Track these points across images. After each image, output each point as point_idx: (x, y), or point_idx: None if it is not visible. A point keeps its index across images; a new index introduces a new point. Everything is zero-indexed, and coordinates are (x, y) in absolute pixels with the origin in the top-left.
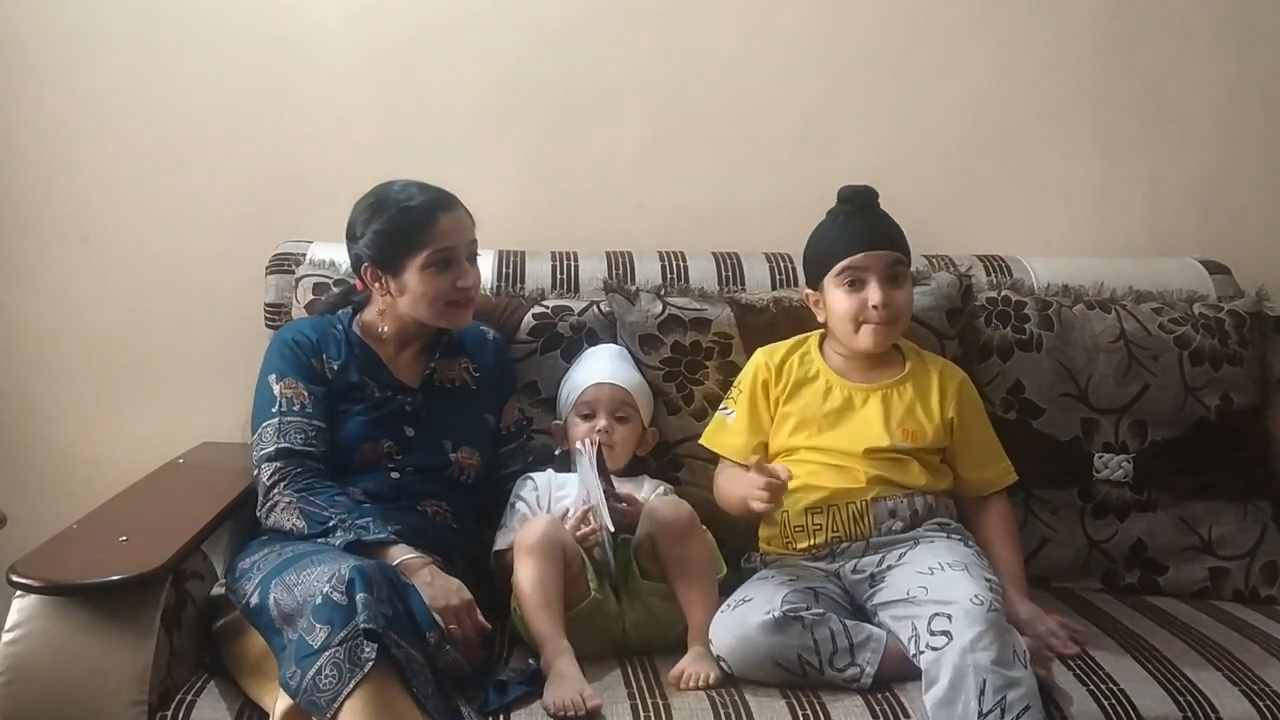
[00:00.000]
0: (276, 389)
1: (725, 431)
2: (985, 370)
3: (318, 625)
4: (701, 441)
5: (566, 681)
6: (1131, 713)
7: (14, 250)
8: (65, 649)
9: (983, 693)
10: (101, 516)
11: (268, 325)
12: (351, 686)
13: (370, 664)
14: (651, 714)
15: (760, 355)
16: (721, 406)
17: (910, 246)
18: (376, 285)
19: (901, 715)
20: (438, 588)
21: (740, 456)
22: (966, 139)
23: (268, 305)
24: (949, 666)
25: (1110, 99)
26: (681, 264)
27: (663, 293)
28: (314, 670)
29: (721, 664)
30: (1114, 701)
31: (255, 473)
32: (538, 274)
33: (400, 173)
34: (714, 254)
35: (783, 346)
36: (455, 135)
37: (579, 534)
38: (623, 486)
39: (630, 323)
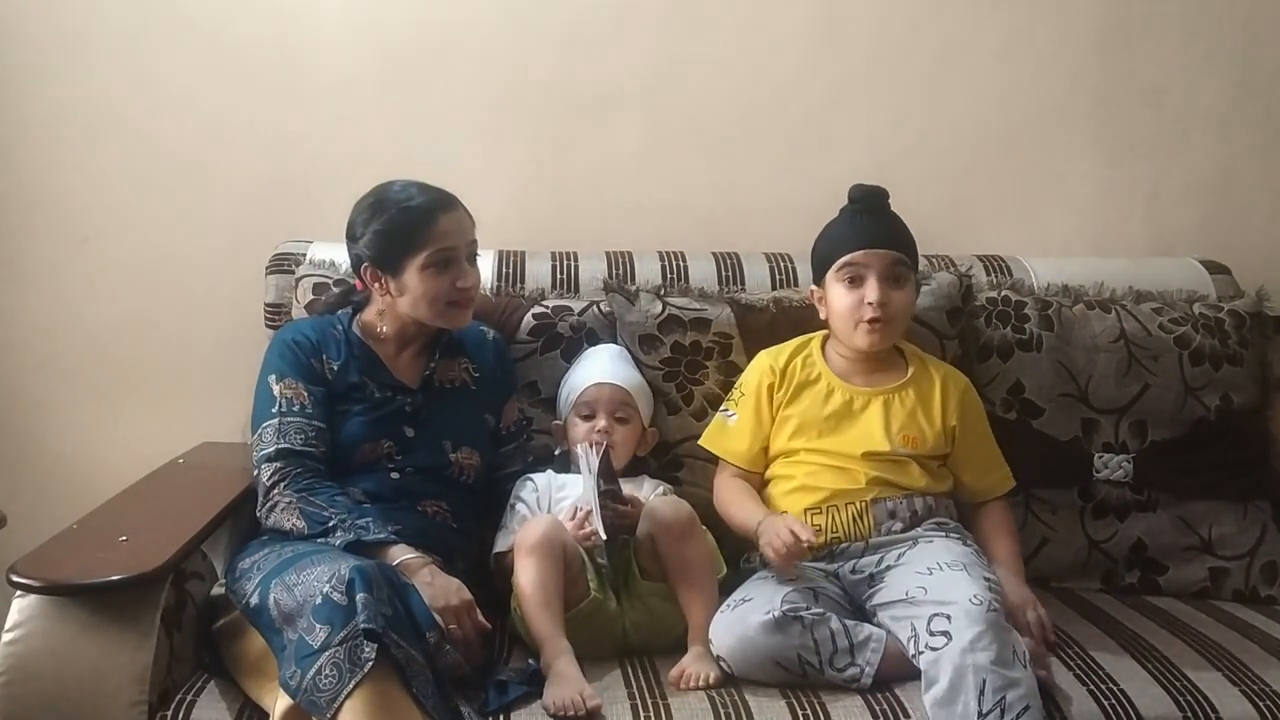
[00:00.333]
0: (276, 389)
1: (727, 434)
2: (985, 370)
3: (318, 625)
4: (702, 443)
5: (566, 681)
6: (1131, 713)
7: (14, 250)
8: (65, 649)
9: (982, 693)
10: (101, 516)
11: (268, 325)
12: (351, 686)
13: (370, 664)
14: (651, 714)
15: (764, 358)
16: (722, 408)
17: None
18: (376, 285)
19: (901, 715)
20: (438, 588)
21: (743, 461)
22: (966, 139)
23: (268, 305)
24: (948, 666)
25: (1110, 99)
26: (681, 264)
27: (663, 293)
28: (314, 670)
29: (721, 664)
30: (1114, 701)
31: (255, 473)
32: (538, 274)
33: (400, 173)
34: (714, 254)
35: (786, 349)
36: (455, 135)
37: (578, 535)
38: (623, 487)
39: (630, 323)
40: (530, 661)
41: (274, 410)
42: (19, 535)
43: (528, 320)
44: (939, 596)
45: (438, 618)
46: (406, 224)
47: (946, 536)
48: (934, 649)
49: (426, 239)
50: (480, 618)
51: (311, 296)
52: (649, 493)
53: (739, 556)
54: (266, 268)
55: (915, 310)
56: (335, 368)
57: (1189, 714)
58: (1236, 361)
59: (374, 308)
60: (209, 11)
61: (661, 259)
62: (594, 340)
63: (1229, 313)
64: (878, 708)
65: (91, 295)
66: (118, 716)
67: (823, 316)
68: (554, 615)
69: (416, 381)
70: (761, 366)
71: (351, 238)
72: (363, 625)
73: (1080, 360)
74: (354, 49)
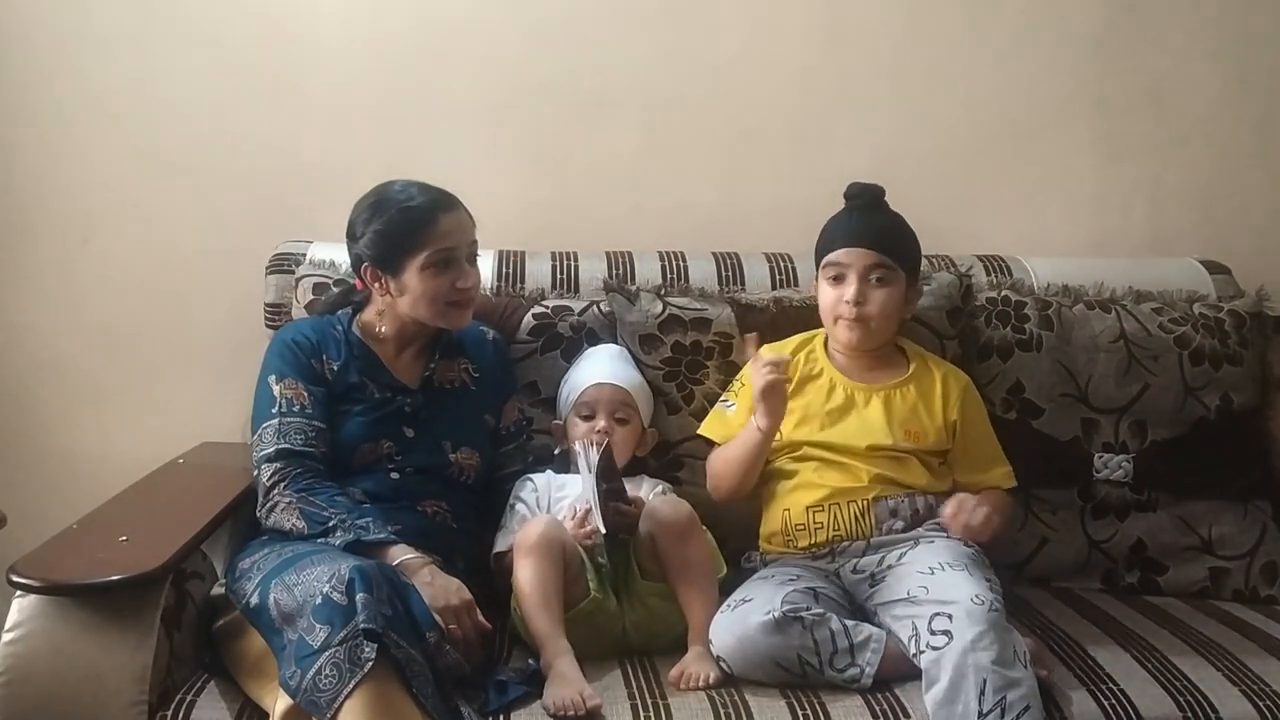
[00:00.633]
0: (276, 389)
1: (726, 424)
2: (985, 370)
3: (318, 625)
4: (701, 431)
5: (566, 681)
6: (1131, 713)
7: (14, 250)
8: (65, 649)
9: (983, 693)
10: (101, 516)
11: (268, 325)
12: (351, 686)
13: (370, 664)
14: (651, 714)
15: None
16: (722, 399)
17: (920, 253)
18: (376, 285)
19: (901, 715)
20: (438, 588)
21: None
22: (966, 139)
23: (268, 305)
24: (949, 666)
25: (1110, 99)
26: (681, 264)
27: (663, 293)
28: (314, 670)
29: (721, 664)
30: (1114, 701)
31: (255, 473)
32: (538, 274)
33: (400, 173)
34: (714, 254)
35: (790, 343)
36: (455, 135)
37: (578, 533)
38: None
39: (631, 322)
40: (530, 661)
41: (274, 410)
42: (19, 535)
43: (528, 320)
44: (940, 596)
45: (438, 618)
46: (407, 224)
47: (948, 536)
48: (935, 648)
49: (427, 239)
50: (480, 618)
51: (311, 296)
52: (648, 492)
53: (739, 556)
54: (266, 268)
55: (915, 310)
56: (335, 368)
57: (1189, 714)
58: (1236, 361)
59: (374, 308)
60: (209, 11)
61: (661, 259)
62: (594, 340)
63: (1229, 313)
64: (878, 708)
65: (91, 295)
66: (118, 716)
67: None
68: (553, 615)
69: (416, 382)
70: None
71: (352, 237)
72: (363, 625)
73: (1080, 360)
74: (354, 49)
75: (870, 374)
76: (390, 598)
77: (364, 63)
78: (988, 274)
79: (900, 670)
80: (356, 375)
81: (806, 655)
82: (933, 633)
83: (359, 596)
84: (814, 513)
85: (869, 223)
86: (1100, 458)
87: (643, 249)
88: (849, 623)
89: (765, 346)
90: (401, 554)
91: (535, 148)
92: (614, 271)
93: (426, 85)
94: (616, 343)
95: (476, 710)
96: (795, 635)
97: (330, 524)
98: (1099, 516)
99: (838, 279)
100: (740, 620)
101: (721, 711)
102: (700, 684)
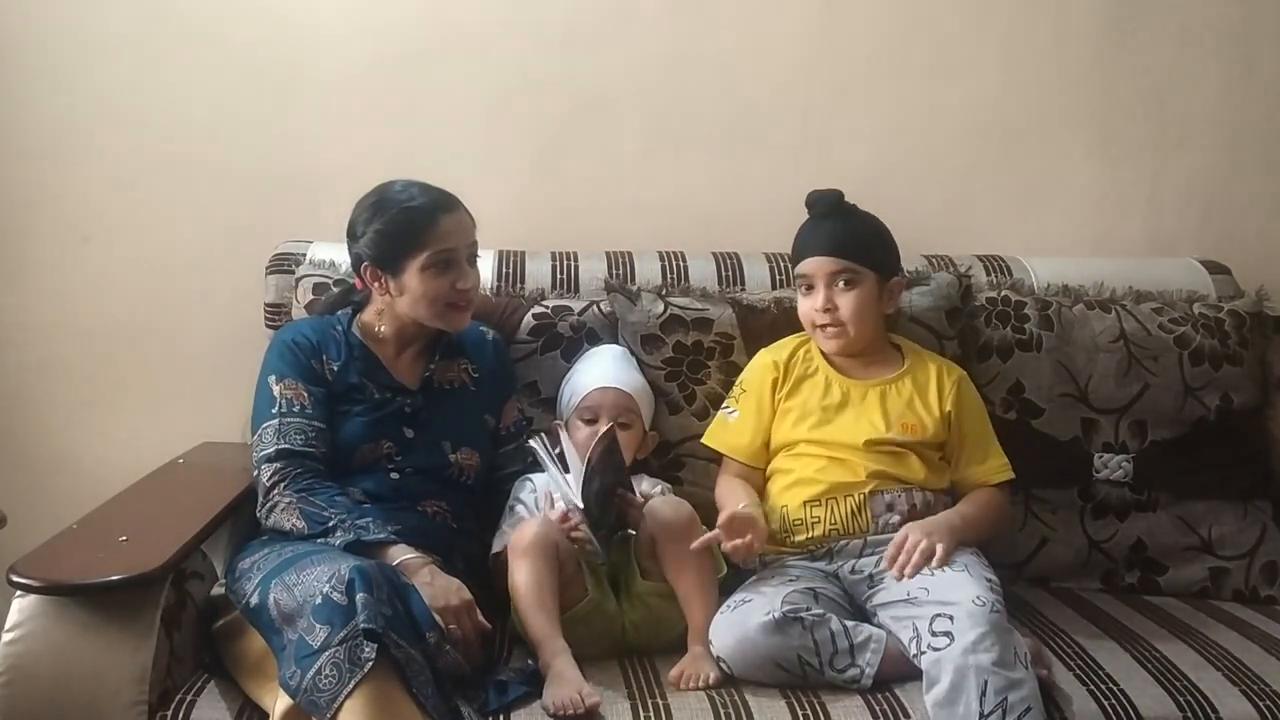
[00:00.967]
0: (276, 390)
1: (728, 431)
2: (985, 370)
3: (318, 625)
4: (704, 441)
5: (565, 681)
6: (1131, 713)
7: (14, 250)
8: (65, 649)
9: (984, 694)
10: (101, 516)
11: (268, 325)
12: (351, 686)
13: (370, 664)
14: (651, 714)
15: (765, 355)
16: (724, 406)
17: (892, 247)
18: (376, 285)
19: (902, 716)
20: (438, 588)
21: (744, 456)
22: (966, 139)
23: (268, 305)
24: (950, 667)
25: (1110, 99)
26: (681, 264)
27: (664, 293)
28: (314, 670)
29: (721, 664)
30: (1114, 701)
31: (255, 473)
32: (538, 274)
33: (401, 173)
34: (714, 254)
35: (788, 344)
36: (455, 135)
37: (564, 527)
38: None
39: (632, 323)
40: (530, 662)
41: (274, 411)
42: (19, 535)
43: (528, 320)
44: (941, 597)
45: (438, 618)
46: (408, 224)
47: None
48: (936, 649)
49: (427, 239)
50: (480, 618)
51: (311, 296)
52: (648, 492)
53: None
54: (266, 268)
55: (915, 310)
56: (335, 368)
57: (1189, 714)
58: (1236, 361)
59: (373, 308)
60: (209, 11)
61: (661, 259)
62: (594, 340)
63: (1229, 313)
64: (878, 708)
65: (91, 295)
66: (118, 716)
67: None
68: (550, 615)
69: (416, 382)
70: (763, 363)
71: (352, 237)
72: (363, 625)
73: (1080, 360)
74: (354, 49)
75: (865, 370)
76: (390, 598)
77: (364, 63)
78: (988, 274)
79: (900, 671)
80: (356, 376)
81: (807, 656)
82: (933, 634)
83: (359, 596)
84: (811, 507)
85: (828, 229)
86: (1100, 458)
87: (643, 249)
88: (849, 623)
89: (763, 349)
90: (401, 554)
91: (535, 148)
92: (614, 271)
93: (426, 85)
94: (617, 343)
95: (476, 710)
96: (795, 636)
97: (330, 524)
98: (1099, 516)
99: (809, 289)
100: (740, 621)
101: (721, 712)
102: (700, 684)
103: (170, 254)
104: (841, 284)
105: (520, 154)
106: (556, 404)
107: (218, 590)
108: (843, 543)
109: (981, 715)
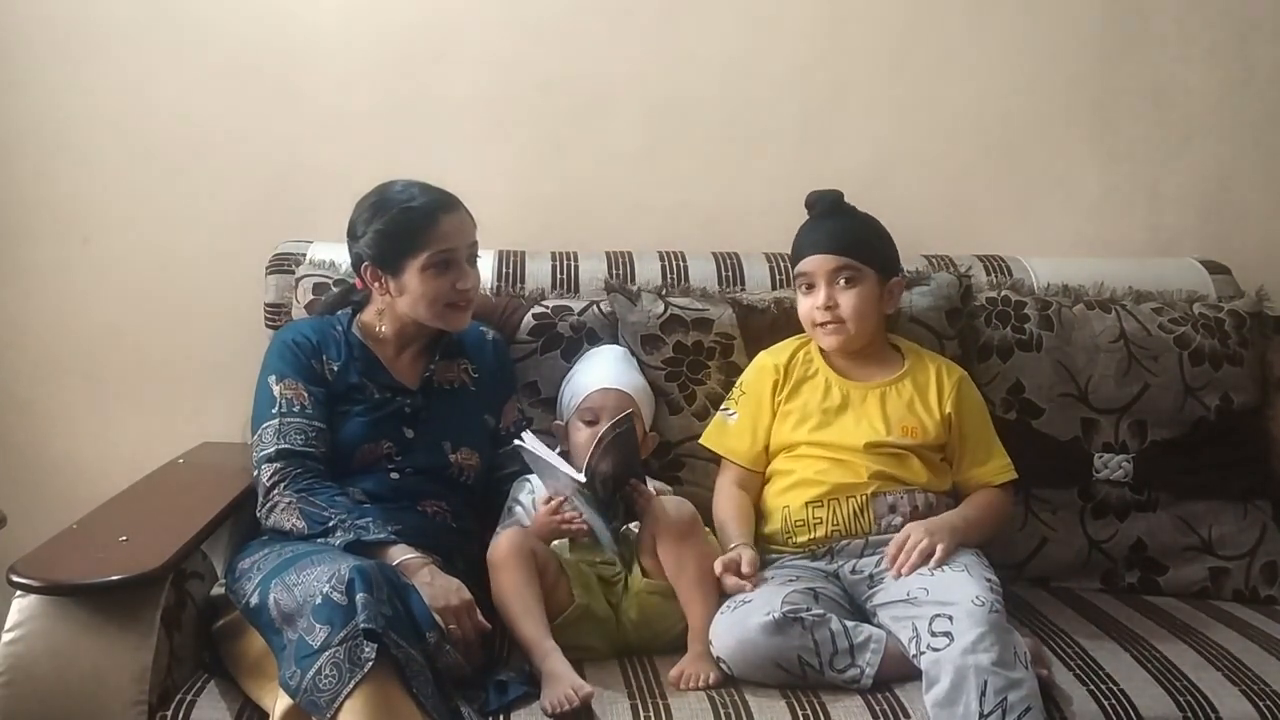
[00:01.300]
0: (276, 390)
1: (727, 434)
2: (985, 370)
3: (317, 625)
4: (702, 442)
5: (558, 679)
6: (1131, 713)
7: (14, 250)
8: (65, 649)
9: (984, 694)
10: (101, 516)
11: (268, 325)
12: (351, 686)
13: (370, 664)
14: (651, 714)
15: (765, 357)
16: (723, 407)
17: (892, 247)
18: (376, 285)
19: (902, 716)
20: (438, 588)
21: (744, 459)
22: (966, 139)
23: (268, 305)
24: (950, 667)
25: (1110, 99)
26: (681, 264)
27: (664, 293)
28: (314, 670)
29: (721, 664)
30: (1114, 701)
31: (255, 473)
32: (538, 274)
33: (400, 173)
34: (714, 254)
35: (788, 346)
36: (455, 135)
37: (556, 520)
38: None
39: (632, 323)
40: (526, 666)
41: (274, 411)
42: (19, 535)
43: (528, 320)
44: (941, 597)
45: (438, 618)
46: (408, 224)
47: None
48: (935, 649)
49: (428, 240)
50: (480, 618)
51: (311, 296)
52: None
53: None
54: (266, 268)
55: (915, 310)
56: (335, 368)
57: (1189, 714)
58: (1236, 361)
59: (373, 308)
60: (208, 12)
61: (662, 259)
62: (594, 340)
63: (1229, 313)
64: (878, 708)
65: (91, 295)
66: (118, 716)
67: None
68: (535, 620)
69: (416, 382)
70: (763, 365)
71: (352, 236)
72: (363, 625)
73: (1080, 360)
74: (354, 50)
75: (865, 372)
76: (390, 598)
77: (364, 63)
78: (988, 274)
79: (900, 671)
80: (356, 376)
81: (807, 656)
82: (933, 634)
83: (359, 596)
84: (813, 508)
85: (829, 228)
86: (1100, 458)
87: (643, 249)
88: (849, 623)
89: (763, 351)
90: (401, 554)
91: (535, 148)
92: (614, 271)
93: (426, 85)
94: (617, 343)
95: (476, 710)
96: (795, 636)
97: (330, 524)
98: (1099, 516)
99: (809, 288)
100: (740, 621)
101: (721, 712)
102: (700, 684)
103: (170, 254)
104: (842, 281)
105: (520, 154)
106: (557, 404)
107: (218, 590)
108: (843, 543)
109: (981, 715)
